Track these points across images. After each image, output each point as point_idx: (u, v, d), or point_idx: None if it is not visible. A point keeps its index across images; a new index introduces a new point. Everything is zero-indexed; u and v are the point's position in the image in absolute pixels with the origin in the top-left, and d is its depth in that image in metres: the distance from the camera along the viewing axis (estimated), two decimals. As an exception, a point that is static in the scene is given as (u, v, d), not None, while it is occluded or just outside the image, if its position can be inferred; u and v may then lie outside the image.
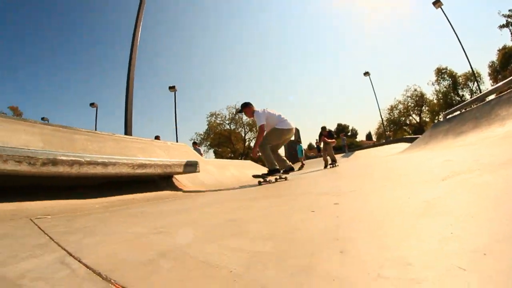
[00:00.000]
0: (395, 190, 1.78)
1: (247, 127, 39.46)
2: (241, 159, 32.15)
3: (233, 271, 0.72)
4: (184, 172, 4.25)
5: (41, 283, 0.74)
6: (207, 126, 39.53)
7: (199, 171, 4.54)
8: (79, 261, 0.91)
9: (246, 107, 4.83)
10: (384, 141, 30.78)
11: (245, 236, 1.11)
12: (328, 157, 8.98)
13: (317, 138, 9.49)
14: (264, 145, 4.57)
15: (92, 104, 26.11)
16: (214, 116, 39.59)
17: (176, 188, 4.21)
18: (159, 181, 4.09)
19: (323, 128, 9.24)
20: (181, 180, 4.62)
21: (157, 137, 9.09)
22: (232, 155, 38.06)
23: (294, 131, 4.75)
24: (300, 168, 15.43)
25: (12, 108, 32.06)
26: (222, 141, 39.56)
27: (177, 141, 16.02)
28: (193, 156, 6.47)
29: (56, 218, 1.91)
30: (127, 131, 6.64)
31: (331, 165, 8.75)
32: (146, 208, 2.43)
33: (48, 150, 2.88)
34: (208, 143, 39.24)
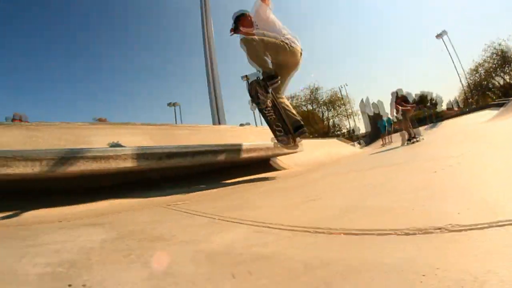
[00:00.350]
0: (494, 153, 1.99)
1: (325, 107, 38.66)
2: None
3: (402, 210, 0.93)
4: (287, 153, 4.26)
5: (262, 249, 0.77)
6: (284, 110, 40.04)
7: (302, 150, 4.48)
8: (280, 225, 0.96)
9: (242, 17, 3.29)
10: (474, 107, 27.86)
11: (388, 194, 1.27)
12: (410, 130, 7.32)
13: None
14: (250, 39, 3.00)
15: (174, 104, 29.40)
16: (291, 99, 39.70)
17: (282, 168, 4.29)
18: (266, 163, 4.19)
19: (396, 93, 7.58)
20: (283, 161, 4.67)
21: (247, 124, 9.48)
22: (316, 135, 37.76)
23: (296, 57, 3.20)
24: (386, 144, 14.36)
25: (100, 120, 36.60)
26: (301, 123, 39.58)
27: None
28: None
29: (189, 204, 2.00)
30: (220, 120, 7.04)
31: (413, 140, 7.05)
32: (272, 185, 2.46)
33: (164, 146, 3.17)
34: (287, 126, 39.76)
